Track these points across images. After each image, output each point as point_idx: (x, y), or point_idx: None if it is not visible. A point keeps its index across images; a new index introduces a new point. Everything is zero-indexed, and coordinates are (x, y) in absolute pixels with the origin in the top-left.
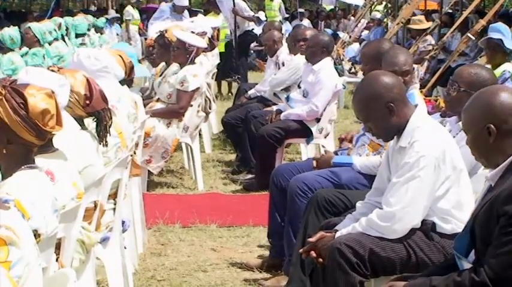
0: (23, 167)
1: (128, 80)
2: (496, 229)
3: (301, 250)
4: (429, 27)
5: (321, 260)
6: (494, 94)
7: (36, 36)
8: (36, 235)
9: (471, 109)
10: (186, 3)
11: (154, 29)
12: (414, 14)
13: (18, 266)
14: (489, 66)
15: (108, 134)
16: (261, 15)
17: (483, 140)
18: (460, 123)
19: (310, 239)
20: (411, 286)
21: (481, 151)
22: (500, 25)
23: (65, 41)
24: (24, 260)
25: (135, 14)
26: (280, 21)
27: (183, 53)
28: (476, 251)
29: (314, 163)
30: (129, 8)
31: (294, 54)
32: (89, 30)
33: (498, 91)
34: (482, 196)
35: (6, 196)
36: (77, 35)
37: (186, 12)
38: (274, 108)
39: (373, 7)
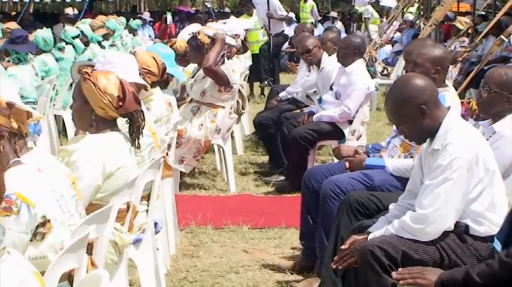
0: (11, 163)
1: (161, 82)
2: None
3: (333, 265)
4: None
5: (352, 259)
6: None
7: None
8: (46, 221)
9: None
10: None
11: (186, 31)
12: (447, 16)
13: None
14: None
15: (140, 136)
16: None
17: None
18: (493, 125)
19: (343, 247)
20: (448, 274)
21: None
22: None
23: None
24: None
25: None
26: (312, 23)
27: None
28: None
29: (346, 164)
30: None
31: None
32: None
33: None
34: None
35: (7, 192)
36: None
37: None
38: (306, 110)
39: (405, 9)
